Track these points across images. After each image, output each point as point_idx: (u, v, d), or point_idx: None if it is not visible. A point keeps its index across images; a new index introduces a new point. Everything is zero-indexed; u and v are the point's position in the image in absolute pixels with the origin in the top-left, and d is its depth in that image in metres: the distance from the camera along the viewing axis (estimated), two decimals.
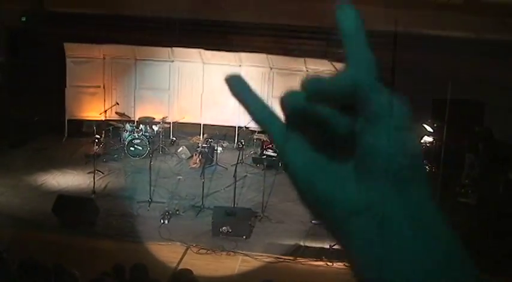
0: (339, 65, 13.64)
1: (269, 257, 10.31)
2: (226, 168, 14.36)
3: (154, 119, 15.89)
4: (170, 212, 11.62)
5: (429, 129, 14.82)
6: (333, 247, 10.56)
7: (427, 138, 14.84)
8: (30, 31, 16.64)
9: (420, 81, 15.48)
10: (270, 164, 13.91)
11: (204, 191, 12.18)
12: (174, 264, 9.81)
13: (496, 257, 10.33)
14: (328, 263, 10.18)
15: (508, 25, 14.16)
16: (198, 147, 14.86)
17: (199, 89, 16.50)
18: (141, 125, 15.27)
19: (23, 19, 16.90)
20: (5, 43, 15.94)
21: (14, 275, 5.09)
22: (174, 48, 16.19)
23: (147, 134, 15.02)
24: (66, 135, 16.11)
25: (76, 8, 16.95)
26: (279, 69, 16.28)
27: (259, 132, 15.88)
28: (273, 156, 14.60)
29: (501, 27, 14.73)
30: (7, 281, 4.93)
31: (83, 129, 16.31)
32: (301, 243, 10.82)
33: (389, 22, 15.81)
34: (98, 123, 15.45)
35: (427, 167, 14.33)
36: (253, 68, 16.37)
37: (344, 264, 10.12)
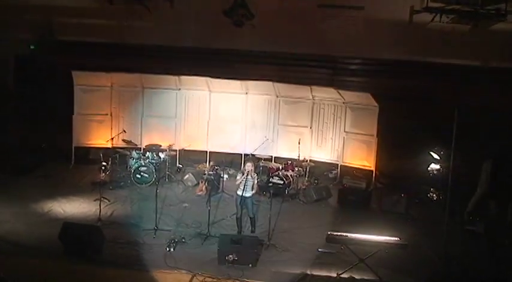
0: (345, 93, 13.75)
1: None
2: (232, 196, 14.32)
3: (160, 146, 15.92)
4: (176, 240, 11.57)
5: (436, 156, 14.79)
6: (340, 275, 10.49)
7: (434, 166, 14.80)
8: (39, 59, 16.82)
9: (427, 108, 15.54)
10: (276, 192, 13.87)
11: (210, 218, 12.14)
12: None
13: None
14: None
15: None
16: (204, 174, 14.85)
17: (206, 116, 16.58)
18: (147, 153, 15.31)
19: (32, 47, 17.10)
20: (14, 70, 16.09)
21: None
22: (181, 77, 16.31)
23: (153, 161, 15.04)
24: (73, 162, 16.15)
25: (84, 37, 17.16)
26: (285, 97, 16.35)
27: (265, 160, 15.89)
28: (279, 184, 14.57)
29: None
30: None
31: (90, 156, 16.35)
32: (308, 272, 10.74)
33: (395, 51, 15.97)
34: (105, 150, 15.50)
35: (434, 195, 14.27)
36: (259, 96, 16.47)
37: None
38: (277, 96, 16.39)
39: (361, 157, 15.78)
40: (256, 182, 12.21)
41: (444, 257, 11.03)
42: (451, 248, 11.10)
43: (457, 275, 10.52)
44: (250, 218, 12.33)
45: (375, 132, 15.39)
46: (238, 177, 12.14)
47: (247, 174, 11.92)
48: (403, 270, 10.84)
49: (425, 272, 10.78)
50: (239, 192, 12.04)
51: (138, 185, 14.72)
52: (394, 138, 15.32)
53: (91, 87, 16.35)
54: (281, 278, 10.47)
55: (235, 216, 12.34)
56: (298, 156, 15.56)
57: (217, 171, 14.86)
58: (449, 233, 11.14)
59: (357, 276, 10.52)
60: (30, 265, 10.29)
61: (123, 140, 15.92)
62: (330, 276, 10.55)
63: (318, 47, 16.69)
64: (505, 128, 14.55)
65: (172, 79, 16.38)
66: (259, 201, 13.70)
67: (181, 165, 16.32)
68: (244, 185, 11.91)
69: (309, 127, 16.29)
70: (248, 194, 12.05)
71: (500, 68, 15.89)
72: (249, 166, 12.02)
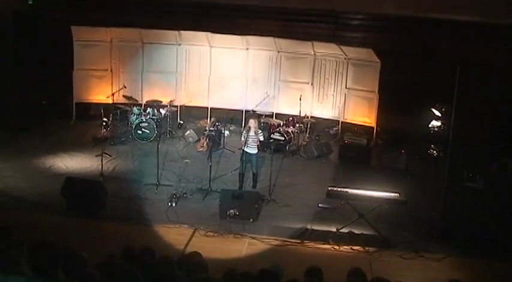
0: (347, 49, 13.56)
1: (276, 240, 10.34)
2: (234, 152, 14.38)
3: (161, 102, 15.89)
4: (178, 195, 11.68)
5: (437, 113, 14.78)
6: (340, 230, 10.61)
7: (435, 123, 14.80)
8: (37, 14, 16.60)
9: (429, 65, 15.43)
10: (277, 148, 13.91)
11: (211, 174, 12.22)
12: (182, 247, 9.86)
13: (502, 242, 10.34)
14: (335, 246, 10.21)
15: None
16: (206, 130, 14.88)
17: (207, 72, 16.49)
18: (148, 109, 15.29)
19: (30, 2, 16.86)
20: (13, 26, 15.89)
21: (23, 255, 5.14)
22: (181, 32, 16.15)
23: (154, 117, 15.03)
24: (74, 118, 16.17)
25: None
26: (287, 52, 16.22)
27: (266, 116, 15.88)
28: (280, 140, 14.60)
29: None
30: (17, 260, 4.97)
31: (91, 112, 16.36)
32: (308, 227, 10.86)
33: (397, 6, 15.74)
34: (106, 106, 15.48)
35: (434, 152, 14.30)
36: (260, 52, 16.34)
37: (350, 248, 10.17)
38: (278, 52, 16.26)
39: (362, 113, 15.76)
40: (262, 138, 12.27)
41: (443, 213, 11.12)
42: (450, 205, 11.18)
43: (456, 231, 10.62)
44: (252, 173, 12.41)
45: (376, 89, 15.33)
46: (243, 134, 12.22)
47: (249, 131, 11.97)
48: (402, 226, 10.96)
49: (423, 227, 10.90)
50: (244, 148, 12.11)
51: (140, 141, 14.75)
52: (396, 94, 15.25)
53: (90, 42, 16.22)
54: (282, 233, 10.59)
55: (238, 171, 12.43)
56: (299, 113, 15.54)
57: (218, 128, 14.88)
58: (448, 189, 11.21)
59: (356, 231, 10.64)
60: (33, 219, 10.39)
61: (124, 96, 15.89)
62: (330, 231, 10.67)
63: (319, 2, 16.45)
64: (507, 85, 14.48)
65: (172, 34, 16.22)
66: (261, 158, 13.77)
67: (182, 121, 16.33)
68: (246, 141, 11.96)
69: (310, 83, 16.22)
70: (252, 150, 12.11)
71: (504, 24, 15.70)
72: (251, 123, 12.09)
